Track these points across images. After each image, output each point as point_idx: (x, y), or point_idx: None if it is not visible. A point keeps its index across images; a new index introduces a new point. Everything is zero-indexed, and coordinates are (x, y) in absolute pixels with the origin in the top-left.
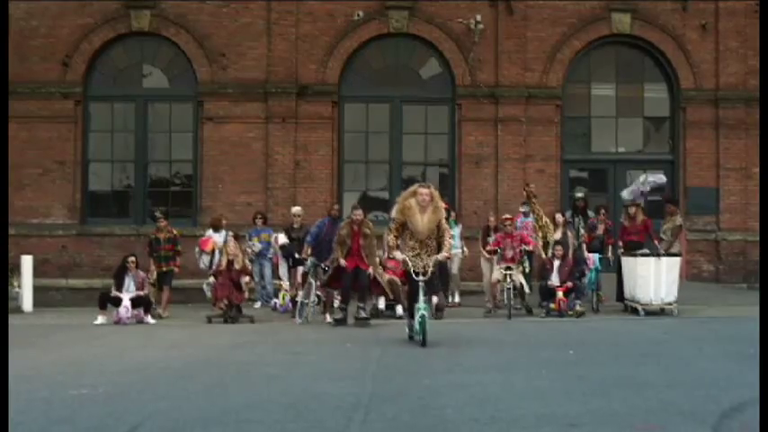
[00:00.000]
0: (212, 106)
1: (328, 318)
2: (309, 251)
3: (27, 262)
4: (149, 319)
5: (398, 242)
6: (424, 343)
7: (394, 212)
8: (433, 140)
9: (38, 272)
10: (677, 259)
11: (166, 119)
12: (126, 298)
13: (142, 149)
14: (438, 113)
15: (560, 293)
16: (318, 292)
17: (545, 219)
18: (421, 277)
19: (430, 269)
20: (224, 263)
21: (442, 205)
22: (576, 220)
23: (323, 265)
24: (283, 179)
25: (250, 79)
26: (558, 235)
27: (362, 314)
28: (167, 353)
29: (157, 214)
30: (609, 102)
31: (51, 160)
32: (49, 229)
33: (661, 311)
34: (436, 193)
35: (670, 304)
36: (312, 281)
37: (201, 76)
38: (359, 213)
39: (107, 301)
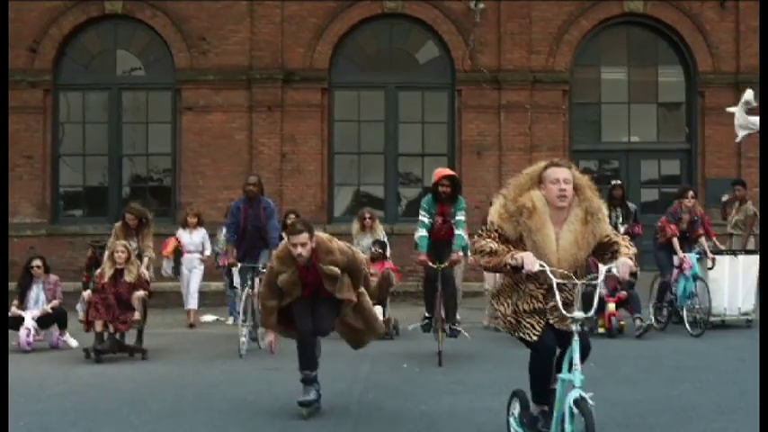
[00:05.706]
0: (192, 94)
1: (264, 342)
2: (235, 253)
3: None
4: (70, 341)
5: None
6: None
7: (493, 213)
8: (430, 129)
9: None
10: (755, 258)
11: (143, 109)
12: (28, 317)
13: (116, 142)
14: (436, 100)
15: (611, 305)
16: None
17: None
18: (579, 314)
19: (597, 295)
20: (106, 274)
21: (600, 202)
22: (614, 214)
23: (259, 266)
24: (269, 173)
25: (232, 65)
26: None
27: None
28: (120, 370)
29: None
30: (620, 87)
31: (18, 155)
32: (16, 228)
33: (722, 323)
34: (584, 180)
35: (747, 313)
36: (249, 291)
37: (180, 63)
38: (301, 240)
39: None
